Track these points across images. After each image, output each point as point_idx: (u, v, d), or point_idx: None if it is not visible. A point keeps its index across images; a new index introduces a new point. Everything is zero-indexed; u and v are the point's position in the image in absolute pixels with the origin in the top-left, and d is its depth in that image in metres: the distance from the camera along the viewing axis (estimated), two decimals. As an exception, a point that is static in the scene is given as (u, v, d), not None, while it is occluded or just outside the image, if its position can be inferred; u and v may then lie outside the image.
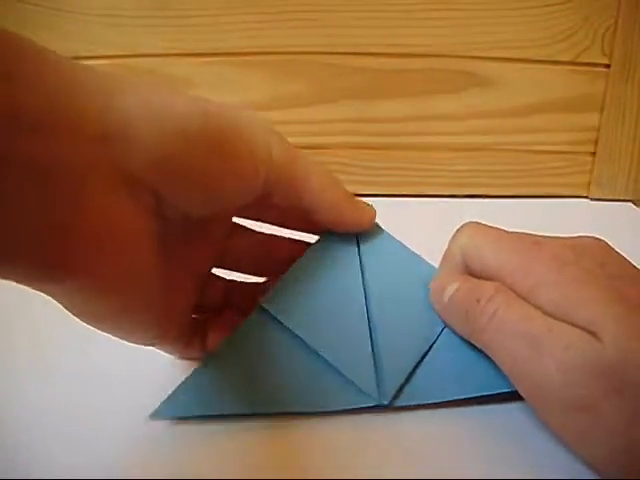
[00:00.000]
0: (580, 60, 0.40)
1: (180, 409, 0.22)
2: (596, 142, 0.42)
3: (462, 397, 0.22)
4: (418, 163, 0.43)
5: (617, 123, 0.42)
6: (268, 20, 0.39)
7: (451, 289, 0.22)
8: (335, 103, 0.41)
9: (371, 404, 0.22)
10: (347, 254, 0.24)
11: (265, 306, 0.23)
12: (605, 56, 0.40)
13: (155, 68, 0.40)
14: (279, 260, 0.24)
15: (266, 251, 0.25)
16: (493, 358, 0.20)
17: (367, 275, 0.24)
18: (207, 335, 0.24)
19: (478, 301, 0.20)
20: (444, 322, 0.23)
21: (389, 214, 0.26)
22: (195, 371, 0.22)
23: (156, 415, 0.22)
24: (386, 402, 0.22)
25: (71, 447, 0.22)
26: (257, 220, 0.25)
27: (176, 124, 0.17)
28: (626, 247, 0.22)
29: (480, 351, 0.22)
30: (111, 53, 0.40)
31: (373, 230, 0.24)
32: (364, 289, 0.23)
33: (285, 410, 0.22)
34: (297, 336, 0.22)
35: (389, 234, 0.25)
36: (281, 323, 0.23)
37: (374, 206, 0.24)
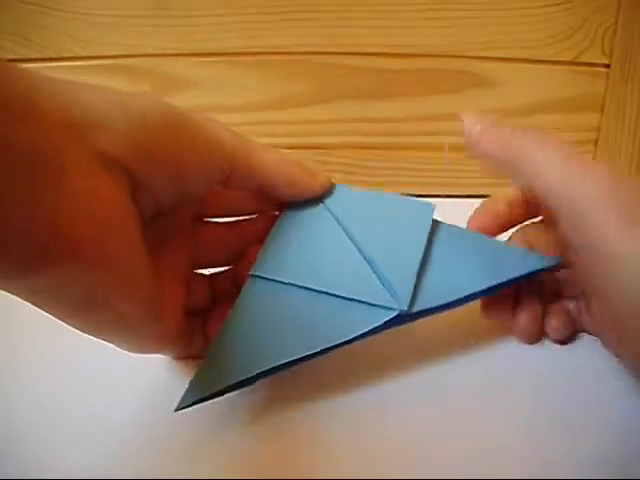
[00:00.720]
0: (580, 60, 0.40)
1: (204, 389, 0.21)
2: (596, 142, 0.42)
3: (473, 291, 0.23)
4: (418, 163, 0.43)
5: (617, 123, 0.42)
6: (268, 20, 0.39)
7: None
8: (335, 103, 0.41)
9: (392, 314, 0.22)
10: (317, 211, 0.26)
11: (256, 273, 0.24)
12: (605, 56, 0.40)
13: (155, 68, 0.40)
14: (251, 242, 0.25)
15: (236, 237, 0.26)
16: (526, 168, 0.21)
17: (342, 219, 0.25)
18: (208, 332, 0.25)
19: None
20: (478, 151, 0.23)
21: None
22: (208, 353, 0.22)
23: (183, 404, 0.21)
24: (405, 307, 0.22)
25: (74, 444, 0.22)
26: (219, 216, 0.26)
27: (139, 114, 0.19)
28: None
29: (476, 243, 0.24)
30: (111, 53, 0.40)
31: (333, 190, 0.26)
32: (344, 230, 0.25)
33: (311, 351, 0.21)
34: (296, 286, 0.23)
35: (349, 188, 0.26)
36: (276, 281, 0.23)
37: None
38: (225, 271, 0.27)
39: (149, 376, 0.25)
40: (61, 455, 0.22)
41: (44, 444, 0.22)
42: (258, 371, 0.21)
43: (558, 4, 0.39)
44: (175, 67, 0.40)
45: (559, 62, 0.40)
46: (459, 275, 0.24)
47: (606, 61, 0.40)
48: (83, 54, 0.39)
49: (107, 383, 0.25)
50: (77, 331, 0.20)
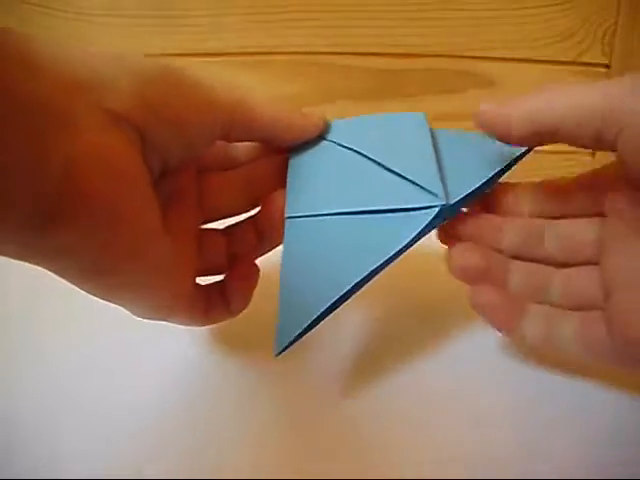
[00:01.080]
0: (580, 60, 0.40)
1: (292, 330, 0.22)
2: (596, 142, 0.42)
3: (492, 173, 0.24)
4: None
5: (617, 123, 0.41)
6: (268, 20, 0.39)
7: None
8: (335, 103, 0.41)
9: (435, 210, 0.22)
10: (323, 146, 0.26)
11: (291, 215, 0.24)
12: (605, 56, 0.40)
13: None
14: (259, 185, 0.26)
15: (242, 182, 0.26)
16: None
17: (349, 144, 0.25)
18: (228, 295, 0.25)
19: None
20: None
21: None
22: (280, 299, 0.22)
23: (280, 347, 0.21)
24: (444, 201, 0.22)
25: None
26: (222, 168, 0.26)
27: (143, 74, 0.19)
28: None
29: (468, 139, 0.25)
30: (111, 53, 0.40)
31: (330, 126, 0.26)
32: (355, 152, 0.25)
33: (373, 265, 0.22)
34: (335, 214, 0.23)
35: (343, 119, 0.27)
36: (314, 216, 0.24)
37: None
38: (242, 223, 0.26)
39: (152, 375, 0.25)
40: (61, 455, 0.22)
41: (44, 444, 0.22)
42: (330, 302, 0.21)
43: (558, 4, 0.39)
44: (175, 67, 0.40)
45: (559, 62, 0.40)
46: (469, 167, 0.24)
47: (606, 61, 0.40)
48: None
49: (111, 381, 0.25)
50: (77, 329, 0.20)
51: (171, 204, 0.23)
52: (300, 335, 0.22)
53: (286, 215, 0.24)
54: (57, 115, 0.16)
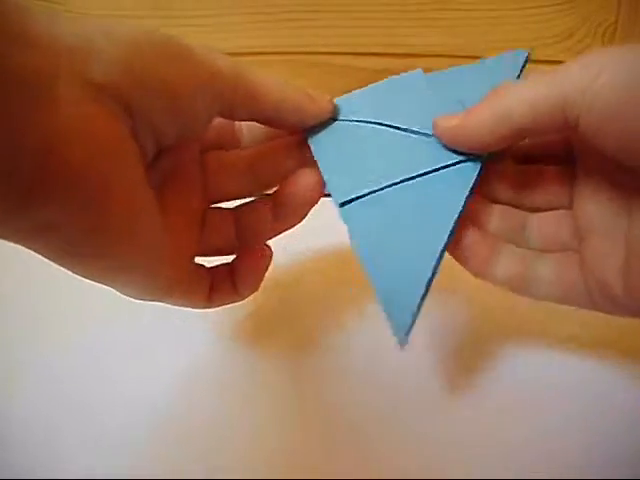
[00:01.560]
0: (580, 60, 0.40)
1: (408, 307, 0.21)
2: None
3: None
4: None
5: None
6: (268, 20, 0.39)
7: None
8: (335, 103, 0.41)
9: (481, 159, 0.22)
10: (341, 125, 0.25)
11: (344, 199, 0.23)
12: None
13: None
14: (271, 162, 0.25)
15: (252, 162, 0.25)
16: None
17: (365, 118, 0.25)
18: (237, 277, 0.24)
19: None
20: None
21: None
22: (375, 281, 0.21)
23: (404, 333, 0.21)
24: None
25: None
26: (230, 146, 0.25)
27: (132, 42, 0.18)
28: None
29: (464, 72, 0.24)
30: (111, 53, 0.40)
31: (338, 108, 0.26)
32: (378, 124, 0.24)
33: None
34: (384, 187, 0.23)
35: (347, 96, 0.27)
36: (366, 194, 0.23)
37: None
38: (256, 202, 0.25)
39: (153, 374, 0.25)
40: (61, 455, 0.22)
41: (43, 444, 0.22)
42: (430, 270, 0.21)
43: (558, 4, 0.39)
44: (175, 67, 0.40)
45: (559, 62, 0.40)
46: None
47: (606, 61, 0.40)
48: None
49: (110, 382, 0.25)
50: (77, 329, 0.20)
51: (170, 183, 0.22)
52: (418, 311, 0.21)
53: (339, 202, 0.23)
54: (37, 82, 0.16)
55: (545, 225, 0.24)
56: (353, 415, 0.23)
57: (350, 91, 0.42)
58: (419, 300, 0.21)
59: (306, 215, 0.24)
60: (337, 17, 0.39)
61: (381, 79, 0.39)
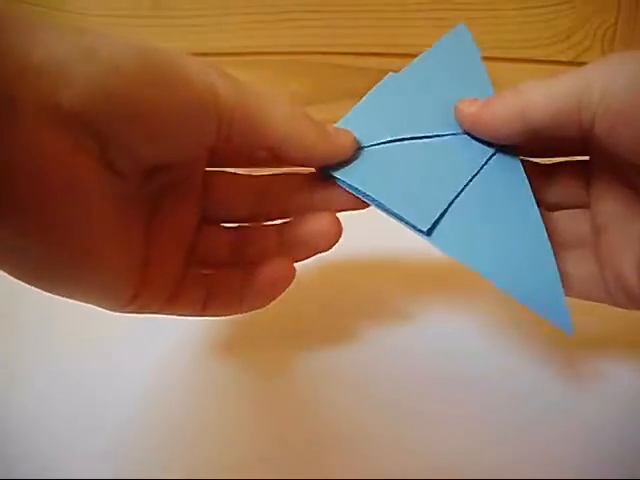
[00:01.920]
0: (580, 60, 0.40)
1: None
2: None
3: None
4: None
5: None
6: (268, 20, 0.39)
7: None
8: (335, 103, 0.41)
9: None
10: (367, 150, 0.23)
11: (427, 226, 0.21)
12: (605, 56, 0.40)
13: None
14: (277, 195, 0.23)
15: (259, 189, 0.23)
16: None
17: (388, 137, 0.23)
18: (248, 290, 0.22)
19: None
20: None
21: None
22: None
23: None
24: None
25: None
26: (234, 166, 0.24)
27: (111, 59, 0.16)
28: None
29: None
30: (111, 53, 0.40)
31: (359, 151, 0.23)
32: (403, 139, 0.23)
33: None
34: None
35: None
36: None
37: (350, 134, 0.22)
38: (266, 227, 0.24)
39: (151, 373, 0.25)
40: (60, 454, 0.22)
41: (29, 447, 0.22)
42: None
43: (558, 4, 0.39)
44: (175, 67, 0.40)
45: (559, 62, 0.40)
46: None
47: (606, 61, 0.40)
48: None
49: (109, 380, 0.25)
50: (76, 329, 0.20)
51: (166, 196, 0.21)
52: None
53: (425, 230, 0.21)
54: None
55: (564, 222, 0.24)
56: (336, 419, 0.23)
57: (350, 91, 0.42)
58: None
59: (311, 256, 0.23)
60: (337, 17, 0.39)
61: (381, 79, 0.39)
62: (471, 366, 0.25)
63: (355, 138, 0.22)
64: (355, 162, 0.22)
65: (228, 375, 0.25)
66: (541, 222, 0.22)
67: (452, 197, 0.22)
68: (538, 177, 0.24)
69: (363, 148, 0.22)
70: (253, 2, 0.39)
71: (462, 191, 0.22)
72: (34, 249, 0.16)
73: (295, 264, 0.22)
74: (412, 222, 0.21)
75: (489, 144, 0.23)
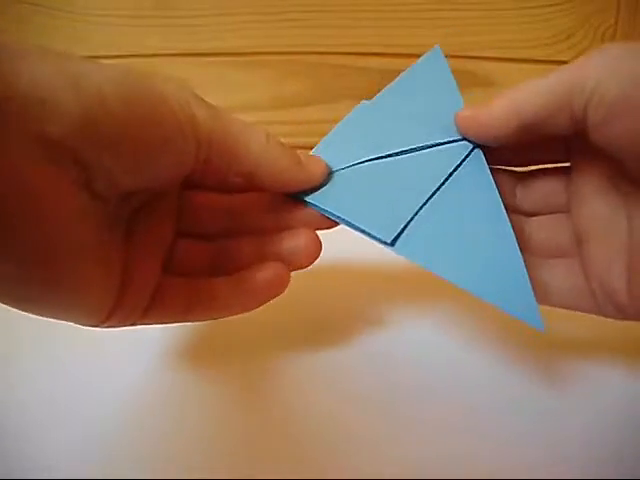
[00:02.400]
0: (580, 60, 0.40)
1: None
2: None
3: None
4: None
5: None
6: (268, 20, 0.39)
7: None
8: (335, 103, 0.41)
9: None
10: (339, 173, 0.24)
11: (391, 237, 0.22)
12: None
13: (155, 68, 0.40)
14: (249, 213, 0.24)
15: (231, 208, 0.24)
16: None
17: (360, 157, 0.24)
18: (237, 293, 0.22)
19: None
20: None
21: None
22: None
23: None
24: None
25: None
26: (211, 188, 0.24)
27: (96, 90, 0.16)
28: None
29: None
30: (111, 53, 0.40)
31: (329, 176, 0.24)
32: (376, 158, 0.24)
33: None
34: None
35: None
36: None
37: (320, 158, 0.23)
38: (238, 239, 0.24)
39: (148, 373, 0.25)
40: (60, 454, 0.22)
41: (43, 444, 0.22)
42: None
43: (558, 4, 0.39)
44: (175, 67, 0.40)
45: (559, 62, 0.40)
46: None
47: (606, 61, 0.40)
48: (83, 54, 0.39)
49: (105, 379, 0.25)
50: (75, 328, 0.20)
51: (142, 213, 0.21)
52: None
53: (389, 241, 0.22)
54: None
55: (544, 229, 0.24)
56: (323, 422, 0.23)
57: (350, 91, 0.42)
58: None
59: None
60: (337, 17, 0.39)
61: (381, 79, 0.40)
62: (457, 369, 0.25)
63: (326, 165, 0.23)
64: (324, 186, 0.23)
65: (216, 379, 0.25)
66: (508, 223, 0.22)
67: (417, 208, 0.22)
68: (516, 183, 0.24)
69: (333, 172, 0.23)
70: (253, 2, 0.39)
71: (428, 201, 0.22)
72: (12, 274, 0.16)
73: (262, 305, 0.22)
74: (375, 234, 0.22)
75: (458, 154, 0.23)
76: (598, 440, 0.22)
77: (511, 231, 0.21)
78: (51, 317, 0.19)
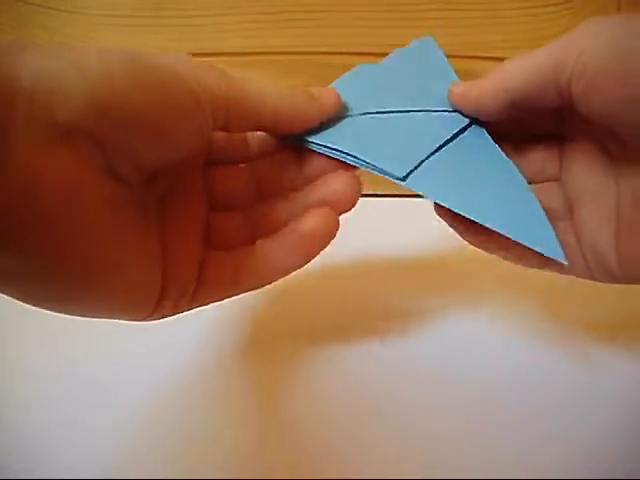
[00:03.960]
0: (580, 60, 0.40)
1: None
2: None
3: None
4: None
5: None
6: (268, 20, 0.39)
7: None
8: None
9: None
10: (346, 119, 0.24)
11: (404, 173, 0.22)
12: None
13: (155, 68, 0.40)
14: (272, 177, 0.24)
15: (255, 174, 0.24)
16: None
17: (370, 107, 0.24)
18: (272, 258, 0.22)
19: None
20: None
21: (390, 214, 0.26)
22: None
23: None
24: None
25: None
26: (231, 160, 0.24)
27: (102, 71, 0.16)
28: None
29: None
30: (111, 53, 0.40)
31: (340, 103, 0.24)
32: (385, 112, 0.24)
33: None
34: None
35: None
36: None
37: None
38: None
39: (147, 377, 0.25)
40: (60, 454, 0.22)
41: (32, 444, 0.22)
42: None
43: (558, 4, 0.39)
44: (175, 67, 0.40)
45: (559, 62, 0.40)
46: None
47: (606, 61, 0.40)
48: (83, 54, 0.39)
49: (108, 381, 0.25)
50: (79, 329, 0.20)
51: (171, 195, 0.21)
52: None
53: (401, 176, 0.22)
54: None
55: (537, 196, 0.23)
56: (340, 418, 0.23)
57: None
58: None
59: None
60: (336, 17, 0.39)
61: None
62: (473, 367, 0.26)
63: (338, 95, 0.24)
64: (332, 128, 0.23)
65: (233, 376, 0.25)
66: (517, 169, 0.22)
67: (427, 153, 0.23)
68: (509, 153, 0.24)
69: (340, 118, 0.24)
70: (253, 2, 0.39)
71: (436, 151, 0.23)
72: (43, 274, 0.16)
73: (296, 271, 0.22)
74: (388, 170, 0.22)
75: (460, 120, 0.24)
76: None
77: (520, 175, 0.22)
78: (95, 316, 0.19)
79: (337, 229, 0.22)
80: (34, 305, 0.17)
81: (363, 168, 0.23)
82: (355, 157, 0.23)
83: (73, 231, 0.16)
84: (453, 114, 0.24)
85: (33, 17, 0.39)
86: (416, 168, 0.22)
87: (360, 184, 0.22)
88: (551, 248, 0.20)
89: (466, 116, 0.24)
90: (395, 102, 0.25)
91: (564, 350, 0.26)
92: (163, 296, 0.20)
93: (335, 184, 0.22)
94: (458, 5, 0.39)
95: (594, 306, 0.26)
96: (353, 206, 0.22)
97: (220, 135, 0.23)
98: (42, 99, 0.15)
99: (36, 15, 0.39)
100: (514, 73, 0.22)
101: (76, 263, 0.16)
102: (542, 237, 0.20)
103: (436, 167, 0.23)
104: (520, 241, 0.20)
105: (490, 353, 0.26)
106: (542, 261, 0.22)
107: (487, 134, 0.24)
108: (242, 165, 0.24)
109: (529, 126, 0.25)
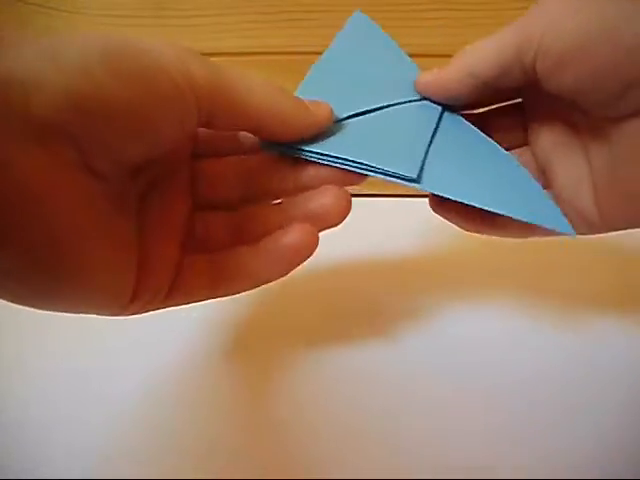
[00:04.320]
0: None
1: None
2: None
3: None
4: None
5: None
6: (267, 20, 0.39)
7: None
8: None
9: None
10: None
11: (415, 173, 0.22)
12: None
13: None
14: (259, 174, 0.23)
15: (243, 171, 0.23)
16: None
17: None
18: (264, 260, 0.21)
19: None
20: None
21: (390, 214, 0.26)
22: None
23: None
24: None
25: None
26: (218, 153, 0.24)
27: (78, 62, 0.15)
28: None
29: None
30: (111, 53, 0.40)
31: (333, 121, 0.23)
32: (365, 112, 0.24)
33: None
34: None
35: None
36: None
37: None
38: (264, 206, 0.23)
39: (147, 374, 0.25)
40: (60, 454, 0.22)
41: (30, 444, 0.22)
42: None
43: (558, 4, 0.39)
44: (175, 67, 0.40)
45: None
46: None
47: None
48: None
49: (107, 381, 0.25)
50: (76, 327, 0.20)
51: (155, 189, 0.21)
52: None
53: (414, 177, 0.22)
54: None
55: None
56: (336, 417, 0.23)
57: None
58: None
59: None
60: (336, 17, 0.39)
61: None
62: (473, 367, 0.26)
63: (331, 109, 0.22)
64: (324, 135, 0.22)
65: (226, 376, 0.25)
66: (504, 150, 0.23)
67: (425, 147, 0.23)
68: (475, 124, 0.25)
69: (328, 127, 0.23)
70: (251, 2, 0.39)
71: (431, 142, 0.23)
72: (20, 271, 0.16)
73: (292, 270, 0.22)
74: (400, 172, 0.22)
75: (434, 108, 0.24)
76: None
77: (506, 152, 0.23)
78: (69, 311, 0.18)
79: (316, 245, 0.21)
80: (12, 301, 0.17)
81: (371, 175, 0.22)
82: (360, 164, 0.22)
83: (44, 230, 0.16)
84: (424, 101, 0.25)
85: (33, 17, 0.39)
86: (423, 166, 0.22)
87: (349, 200, 0.22)
88: (561, 224, 0.21)
89: (435, 102, 0.24)
90: (366, 100, 0.24)
91: (569, 342, 0.26)
92: (136, 296, 0.20)
93: (324, 198, 0.22)
94: (458, 5, 0.39)
95: (596, 303, 0.26)
96: (342, 221, 0.22)
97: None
98: (16, 91, 0.14)
99: (36, 15, 0.39)
100: (478, 57, 0.22)
101: (46, 263, 0.16)
102: (550, 215, 0.21)
103: (436, 162, 0.22)
104: (533, 222, 0.21)
105: (490, 353, 0.26)
106: (529, 230, 0.23)
107: (461, 117, 0.24)
108: (232, 159, 0.23)
109: (493, 100, 0.26)
